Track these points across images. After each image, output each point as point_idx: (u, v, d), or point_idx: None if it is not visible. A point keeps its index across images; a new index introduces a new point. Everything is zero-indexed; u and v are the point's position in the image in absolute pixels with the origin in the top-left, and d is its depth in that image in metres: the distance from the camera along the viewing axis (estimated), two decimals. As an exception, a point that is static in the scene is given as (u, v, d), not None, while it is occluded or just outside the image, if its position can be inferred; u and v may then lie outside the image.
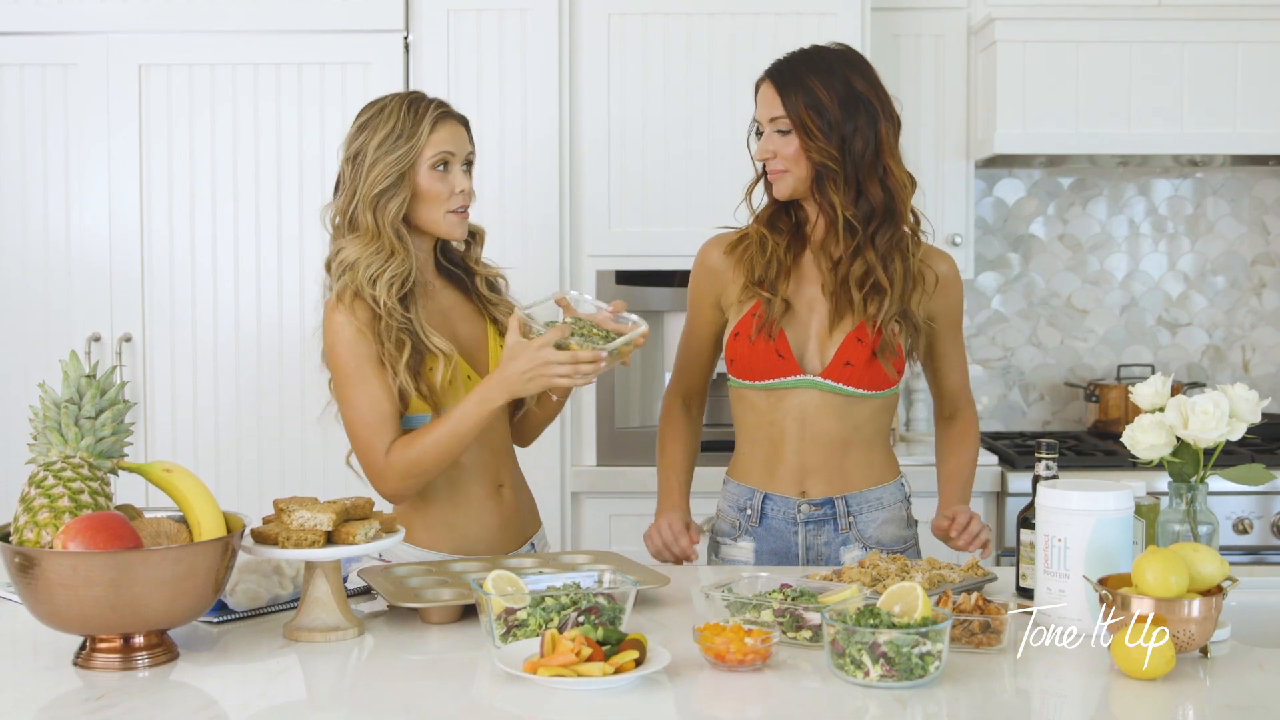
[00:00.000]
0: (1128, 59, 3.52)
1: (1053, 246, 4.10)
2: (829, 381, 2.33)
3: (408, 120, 2.26)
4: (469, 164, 2.32)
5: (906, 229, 2.35)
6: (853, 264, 2.32)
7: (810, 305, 2.37)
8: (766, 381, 2.36)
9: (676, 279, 3.50)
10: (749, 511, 2.42)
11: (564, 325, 2.14)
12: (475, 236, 2.41)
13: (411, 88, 3.46)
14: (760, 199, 2.45)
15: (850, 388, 2.33)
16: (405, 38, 3.48)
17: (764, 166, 2.39)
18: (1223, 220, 4.08)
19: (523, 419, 2.47)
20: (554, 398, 2.38)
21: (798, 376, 2.34)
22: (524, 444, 2.53)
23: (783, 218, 2.41)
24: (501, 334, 2.38)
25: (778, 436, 2.38)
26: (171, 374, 3.49)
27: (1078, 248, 4.10)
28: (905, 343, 2.36)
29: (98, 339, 3.48)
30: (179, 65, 3.46)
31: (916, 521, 2.50)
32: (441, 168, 2.27)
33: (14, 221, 3.49)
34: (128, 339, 3.48)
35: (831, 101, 2.28)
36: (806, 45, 2.39)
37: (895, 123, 2.35)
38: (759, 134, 2.38)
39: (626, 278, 3.49)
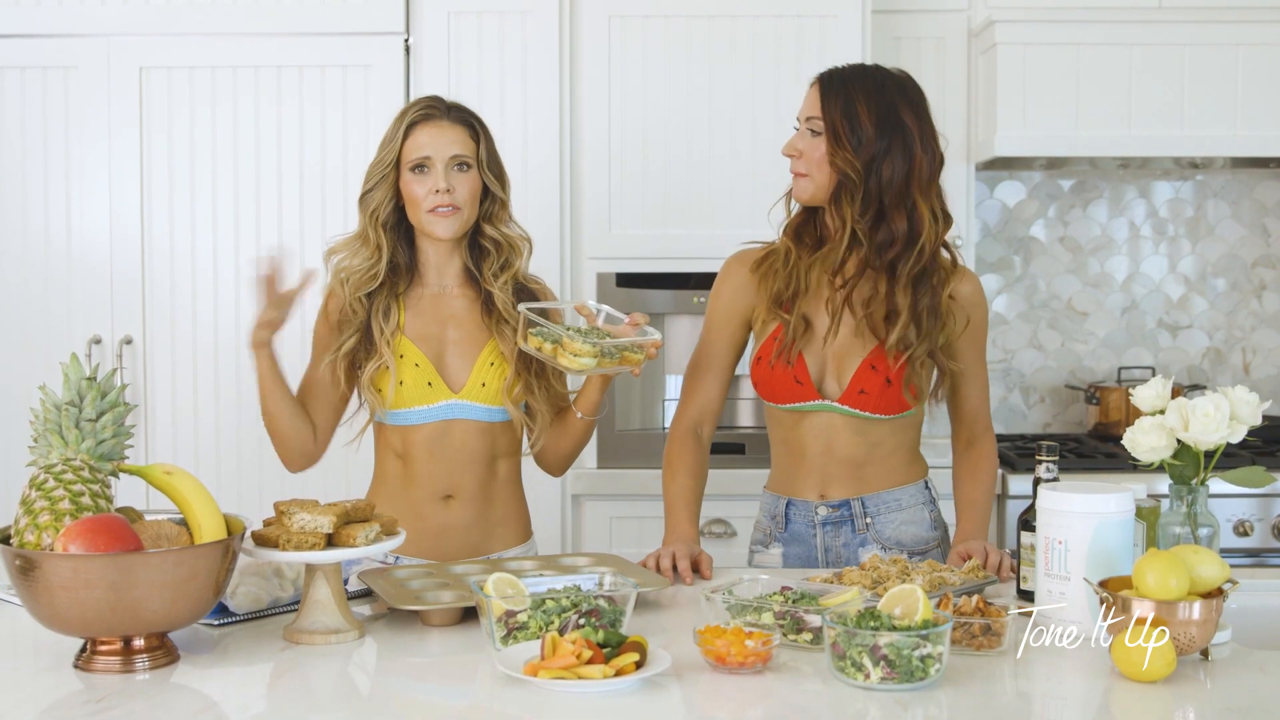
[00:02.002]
0: (1128, 61, 3.52)
1: (1053, 249, 4.10)
2: (846, 407, 2.34)
3: (395, 125, 2.36)
4: (465, 165, 2.32)
5: (935, 264, 2.30)
6: (859, 283, 2.31)
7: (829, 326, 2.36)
8: (788, 405, 2.37)
9: (677, 281, 3.50)
10: (776, 518, 2.44)
11: (579, 329, 2.18)
12: (498, 249, 2.38)
13: (412, 91, 3.47)
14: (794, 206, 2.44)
15: (867, 413, 2.34)
16: (406, 40, 3.48)
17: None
18: (1223, 223, 4.08)
19: (543, 451, 2.45)
20: (578, 414, 2.37)
21: (817, 402, 2.35)
22: (555, 473, 2.53)
23: (809, 231, 2.39)
24: (501, 354, 2.36)
25: (801, 450, 2.40)
26: (172, 376, 3.49)
27: (1078, 250, 4.10)
28: (927, 381, 2.34)
29: (98, 341, 3.48)
30: (179, 68, 3.46)
31: (946, 524, 2.48)
32: (420, 170, 2.31)
33: (14, 224, 3.49)
34: (128, 341, 3.48)
35: (869, 117, 2.27)
36: (861, 63, 2.41)
37: (936, 160, 2.31)
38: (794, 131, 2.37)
39: (627, 280, 3.50)
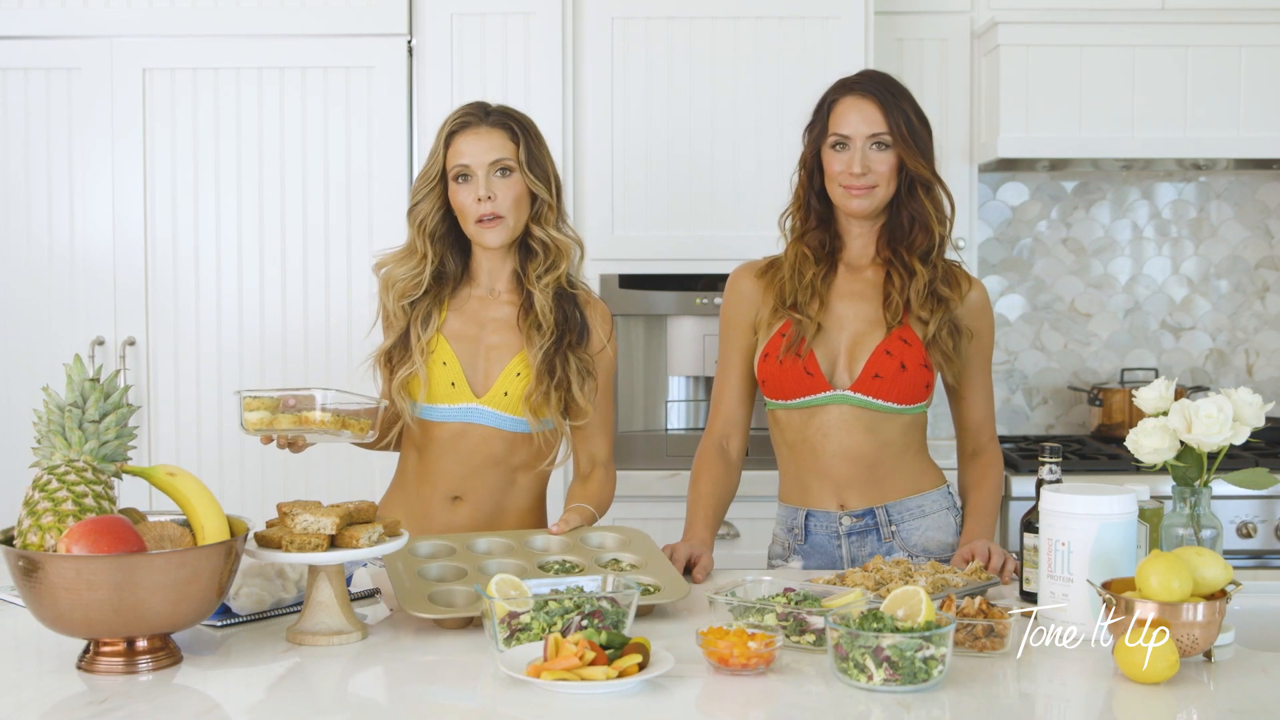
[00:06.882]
0: (1131, 63, 3.52)
1: (1056, 250, 4.09)
2: (858, 395, 2.34)
3: (437, 136, 2.36)
4: (507, 169, 2.32)
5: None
6: (914, 277, 2.36)
7: (840, 323, 2.38)
8: (797, 400, 2.37)
9: (680, 283, 3.50)
10: (795, 530, 2.44)
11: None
12: (545, 251, 2.37)
13: (415, 92, 3.47)
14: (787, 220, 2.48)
15: (880, 401, 2.34)
16: (409, 42, 3.48)
17: (805, 182, 2.42)
18: (1226, 224, 4.08)
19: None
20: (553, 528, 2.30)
21: (828, 393, 2.35)
22: None
23: (817, 241, 2.43)
24: (529, 364, 2.35)
25: (811, 453, 2.40)
26: (175, 377, 3.50)
27: (1081, 251, 4.09)
28: (951, 351, 2.37)
29: (101, 343, 3.48)
30: (183, 69, 3.47)
31: None
32: (462, 179, 2.32)
33: (18, 225, 3.49)
34: (131, 343, 3.48)
35: (918, 119, 2.37)
36: (869, 69, 2.48)
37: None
38: (832, 147, 2.36)
39: (630, 281, 3.49)
